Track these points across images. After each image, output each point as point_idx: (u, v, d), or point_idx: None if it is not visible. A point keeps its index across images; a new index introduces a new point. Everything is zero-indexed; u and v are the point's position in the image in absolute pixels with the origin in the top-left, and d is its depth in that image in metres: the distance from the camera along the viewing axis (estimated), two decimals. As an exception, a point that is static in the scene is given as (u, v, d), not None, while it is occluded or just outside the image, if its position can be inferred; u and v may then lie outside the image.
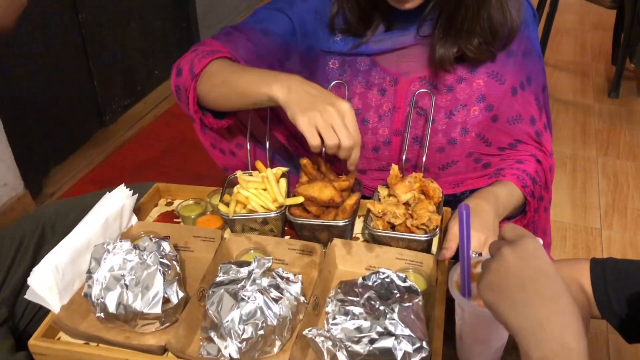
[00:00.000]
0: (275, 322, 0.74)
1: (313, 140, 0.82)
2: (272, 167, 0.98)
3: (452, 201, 1.05)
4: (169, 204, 1.09)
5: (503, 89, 1.00)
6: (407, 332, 0.68)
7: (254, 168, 0.99)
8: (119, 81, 2.69)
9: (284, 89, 0.85)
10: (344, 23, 1.01)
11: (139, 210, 1.02)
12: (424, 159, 0.99)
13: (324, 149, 0.85)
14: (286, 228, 0.98)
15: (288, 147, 1.13)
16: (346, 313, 0.70)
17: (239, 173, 0.99)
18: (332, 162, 1.02)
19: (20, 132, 2.08)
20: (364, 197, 1.01)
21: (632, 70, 2.97)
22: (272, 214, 0.90)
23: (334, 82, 1.02)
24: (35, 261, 1.07)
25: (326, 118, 0.82)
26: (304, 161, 0.95)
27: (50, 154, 2.32)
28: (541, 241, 0.60)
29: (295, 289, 0.79)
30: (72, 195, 2.25)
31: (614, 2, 3.06)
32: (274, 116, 1.07)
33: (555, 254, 2.04)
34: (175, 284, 0.81)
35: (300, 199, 0.90)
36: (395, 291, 0.74)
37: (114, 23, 2.58)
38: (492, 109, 1.01)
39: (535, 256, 0.57)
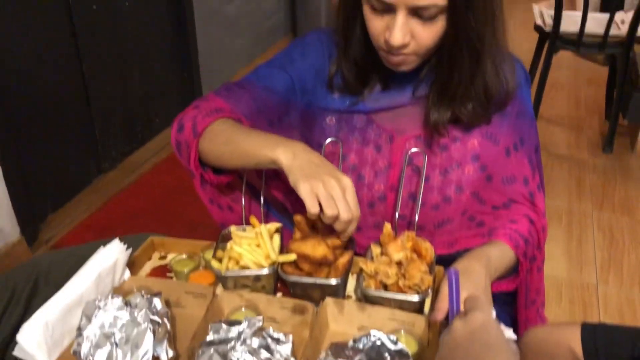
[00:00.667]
0: (264, 384, 0.73)
1: (312, 208, 0.83)
2: (267, 221, 0.99)
3: (447, 259, 1.06)
4: (162, 257, 1.09)
5: (497, 150, 1.02)
6: (396, 397, 0.67)
7: (249, 223, 1.00)
8: (119, 128, 2.72)
9: (289, 154, 0.87)
10: (342, 81, 1.04)
11: (132, 264, 1.02)
12: (416, 217, 1.00)
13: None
14: (279, 285, 0.98)
15: (285, 203, 1.14)
16: (336, 377, 0.70)
17: (232, 228, 0.99)
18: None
19: (19, 177, 2.09)
20: (357, 254, 1.02)
21: (625, 126, 3.02)
22: (265, 272, 0.91)
23: (329, 140, 1.04)
24: (27, 312, 1.07)
25: (328, 188, 0.83)
26: (298, 218, 0.96)
27: (48, 200, 2.33)
28: (494, 313, 0.60)
29: (286, 350, 0.79)
30: (68, 242, 2.25)
31: (606, 60, 3.14)
32: (271, 171, 1.08)
33: (551, 310, 2.03)
34: (165, 342, 0.81)
35: (293, 257, 0.90)
36: (386, 354, 0.74)
37: (116, 71, 2.63)
38: (487, 168, 1.02)
39: (483, 330, 0.58)
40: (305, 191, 0.83)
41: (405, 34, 0.89)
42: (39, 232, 2.24)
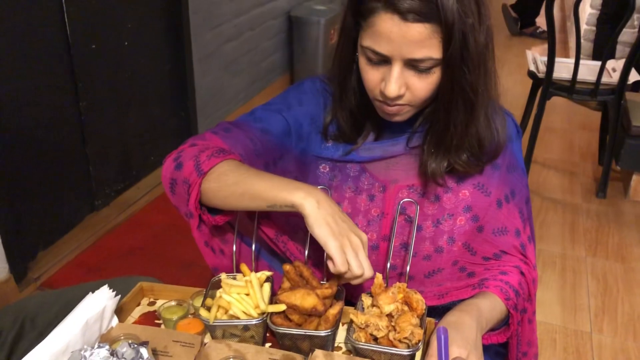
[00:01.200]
0: None
1: (342, 267, 0.85)
2: (257, 263, 0.97)
3: (437, 310, 1.05)
4: (151, 303, 1.08)
5: (488, 201, 1.03)
6: None
7: (239, 270, 0.99)
8: (114, 166, 2.73)
9: (313, 202, 0.86)
10: (337, 130, 1.05)
11: (120, 310, 1.01)
12: (408, 267, 0.99)
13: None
14: (268, 334, 0.97)
15: (274, 245, 1.13)
16: None
17: (223, 276, 0.98)
18: (316, 266, 1.03)
19: (9, 214, 2.08)
20: (348, 302, 1.01)
21: (618, 171, 3.04)
22: (254, 322, 0.90)
23: (319, 188, 1.03)
24: (11, 356, 1.05)
25: (354, 248, 0.86)
26: (287, 267, 0.95)
27: (39, 237, 2.32)
28: None
29: (273, 405, 0.77)
30: (57, 280, 2.23)
31: (599, 105, 3.18)
32: (262, 212, 1.07)
33: (545, 358, 2.01)
34: (150, 394, 0.79)
35: (282, 307, 0.90)
36: (375, 412, 0.73)
37: (113, 109, 2.65)
38: (478, 219, 1.03)
39: None
40: (335, 249, 0.84)
41: (401, 86, 0.90)
42: (28, 270, 2.22)
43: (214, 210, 0.99)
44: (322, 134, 1.06)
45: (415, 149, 1.02)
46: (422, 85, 0.91)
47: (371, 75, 0.93)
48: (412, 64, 0.88)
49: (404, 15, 0.83)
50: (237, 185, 0.91)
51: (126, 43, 2.63)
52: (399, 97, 0.92)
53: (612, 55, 3.57)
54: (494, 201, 1.03)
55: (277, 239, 1.11)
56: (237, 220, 1.05)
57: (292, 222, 1.08)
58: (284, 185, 0.90)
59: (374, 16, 0.87)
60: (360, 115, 1.02)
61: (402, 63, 0.88)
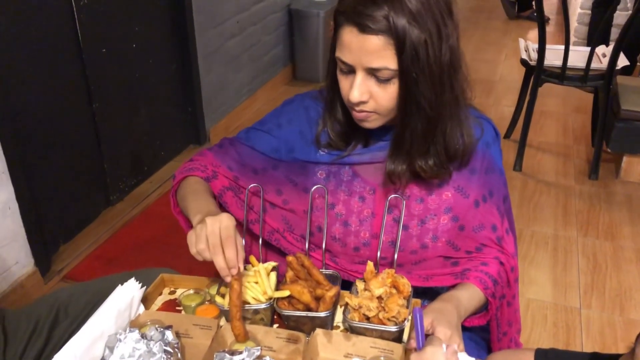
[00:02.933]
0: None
1: (191, 249, 1.02)
2: (265, 259, 1.12)
3: (422, 291, 1.19)
4: (172, 292, 1.22)
5: (467, 203, 1.15)
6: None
7: (248, 261, 1.13)
8: (127, 162, 2.87)
9: (199, 220, 1.04)
10: (328, 139, 1.17)
11: (145, 299, 1.15)
12: (395, 256, 1.13)
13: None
14: (275, 317, 1.12)
15: (269, 240, 1.25)
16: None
17: (235, 266, 1.13)
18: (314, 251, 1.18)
19: (32, 211, 2.23)
20: (346, 282, 1.15)
21: (610, 153, 3.15)
22: (263, 306, 1.04)
23: (315, 187, 1.17)
24: (48, 342, 1.20)
25: (211, 250, 0.99)
26: (290, 258, 1.09)
27: (60, 232, 2.47)
28: (444, 347, 0.76)
29: (280, 375, 0.91)
30: (79, 272, 2.38)
31: (591, 89, 3.27)
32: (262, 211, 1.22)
33: (536, 333, 2.15)
34: (177, 369, 0.93)
35: (286, 293, 1.04)
36: (365, 378, 0.87)
37: (124, 109, 2.79)
38: (459, 219, 1.15)
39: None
40: (191, 245, 1.01)
41: (363, 93, 1.02)
42: (51, 263, 2.38)
43: None
44: (314, 143, 1.19)
45: None
46: (383, 95, 1.02)
47: (343, 84, 1.06)
48: (373, 74, 1.00)
49: (361, 27, 0.96)
50: (182, 199, 1.19)
51: (134, 45, 2.76)
52: (362, 103, 1.03)
53: (606, 39, 3.66)
54: (472, 202, 1.15)
55: (271, 237, 1.24)
56: (245, 220, 1.19)
57: (290, 221, 1.21)
58: (195, 207, 1.12)
59: (340, 28, 1.00)
60: (347, 127, 1.15)
61: (364, 72, 1.00)
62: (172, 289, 1.23)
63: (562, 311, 2.24)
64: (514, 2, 5.89)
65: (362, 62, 0.99)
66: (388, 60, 0.97)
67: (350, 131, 1.15)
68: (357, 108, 1.05)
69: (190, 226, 1.07)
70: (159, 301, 1.20)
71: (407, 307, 1.03)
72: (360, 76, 1.01)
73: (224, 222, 0.99)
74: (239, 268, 0.98)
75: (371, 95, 1.02)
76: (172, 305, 1.18)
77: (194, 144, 3.39)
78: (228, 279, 0.99)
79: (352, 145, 1.16)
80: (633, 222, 2.78)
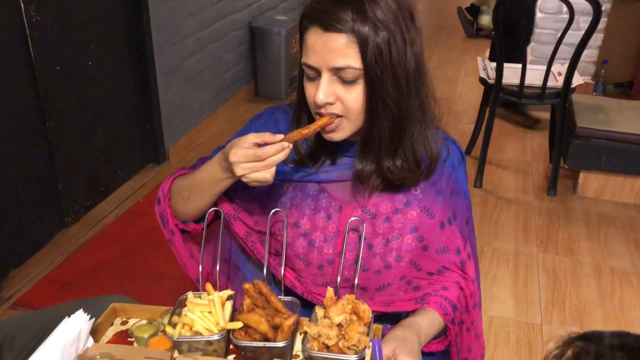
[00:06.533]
0: None
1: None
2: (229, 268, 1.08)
3: (383, 317, 1.17)
4: (124, 323, 1.17)
5: (433, 223, 1.14)
6: None
7: (205, 289, 1.09)
8: (83, 182, 2.78)
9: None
10: (296, 155, 1.16)
11: (95, 331, 1.09)
12: (356, 281, 1.10)
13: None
14: (232, 346, 1.07)
15: (244, 244, 1.23)
16: None
17: (190, 294, 1.09)
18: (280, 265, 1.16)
19: (-19, 236, 2.13)
20: (310, 304, 1.12)
21: (567, 169, 3.21)
22: (215, 337, 1.00)
23: (273, 210, 1.14)
24: (-10, 377, 1.13)
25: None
26: (246, 286, 1.05)
27: (10, 257, 2.37)
28: None
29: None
30: (30, 298, 2.28)
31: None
32: (232, 214, 1.20)
33: (499, 351, 2.15)
34: (126, 408, 0.88)
35: (239, 324, 1.00)
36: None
37: (80, 128, 2.71)
38: (423, 239, 1.14)
39: None
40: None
41: (329, 95, 1.01)
42: (0, 289, 2.27)
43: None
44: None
45: None
46: (350, 97, 1.02)
47: (309, 90, 1.05)
48: (337, 75, 1.00)
49: (325, 26, 0.97)
50: (191, 187, 1.13)
51: (90, 63, 2.69)
52: (329, 104, 1.02)
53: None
54: (437, 223, 1.14)
55: (247, 239, 1.22)
56: (204, 230, 1.16)
57: (260, 224, 1.20)
58: (211, 165, 1.09)
59: (306, 33, 1.00)
60: (315, 144, 1.13)
61: (330, 73, 1.00)
62: (124, 319, 1.18)
63: (524, 328, 2.25)
64: (472, 21, 6.01)
65: (327, 61, 0.99)
66: (352, 59, 0.98)
67: (317, 150, 1.14)
68: (324, 111, 1.04)
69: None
70: (110, 332, 1.14)
71: (368, 334, 1.01)
72: (325, 77, 1.01)
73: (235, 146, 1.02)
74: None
75: (337, 97, 1.02)
76: (123, 337, 1.13)
77: (152, 162, 3.31)
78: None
79: (320, 161, 1.15)
80: (590, 237, 2.83)
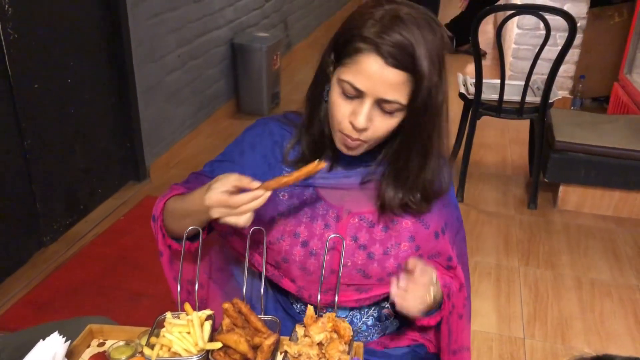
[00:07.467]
0: None
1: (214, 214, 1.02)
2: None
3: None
4: (101, 344, 1.15)
5: (428, 233, 1.17)
6: None
7: (183, 309, 1.07)
8: (62, 201, 2.75)
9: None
10: (299, 154, 1.16)
11: (71, 354, 1.07)
12: (337, 297, 1.10)
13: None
14: (211, 367, 1.06)
15: (242, 257, 1.21)
16: None
17: (168, 315, 1.07)
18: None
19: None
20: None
21: (547, 182, 3.24)
22: (194, 358, 0.98)
23: (253, 228, 1.13)
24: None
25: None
26: (225, 305, 1.04)
27: (-14, 277, 2.32)
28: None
29: None
30: (7, 320, 2.24)
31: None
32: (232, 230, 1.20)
33: (482, 365, 2.15)
34: None
35: (218, 345, 0.99)
36: None
37: (59, 146, 2.68)
38: (419, 248, 1.17)
39: None
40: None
41: (369, 120, 1.03)
42: (-24, 311, 2.22)
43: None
44: (281, 161, 1.18)
45: (368, 184, 1.15)
46: (383, 126, 1.04)
47: (342, 108, 1.04)
48: (380, 104, 1.01)
49: (387, 59, 0.97)
50: (182, 211, 1.12)
51: (69, 80, 2.67)
52: (365, 130, 1.04)
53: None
54: (432, 233, 1.18)
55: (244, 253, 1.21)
56: (182, 257, 1.15)
57: (256, 239, 1.19)
58: (199, 195, 1.06)
59: (360, 55, 0.99)
60: (321, 143, 1.14)
61: (373, 100, 1.01)
62: (101, 341, 1.16)
63: (506, 342, 2.26)
64: (451, 36, 6.08)
65: (377, 91, 0.99)
66: (401, 95, 1.00)
67: (323, 149, 1.15)
68: (353, 135, 1.04)
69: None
70: (87, 354, 1.12)
71: (349, 353, 1.00)
72: (368, 103, 1.01)
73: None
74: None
75: (372, 124, 1.04)
76: (100, 359, 1.10)
77: (133, 180, 3.28)
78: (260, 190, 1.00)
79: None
80: (571, 250, 2.85)
